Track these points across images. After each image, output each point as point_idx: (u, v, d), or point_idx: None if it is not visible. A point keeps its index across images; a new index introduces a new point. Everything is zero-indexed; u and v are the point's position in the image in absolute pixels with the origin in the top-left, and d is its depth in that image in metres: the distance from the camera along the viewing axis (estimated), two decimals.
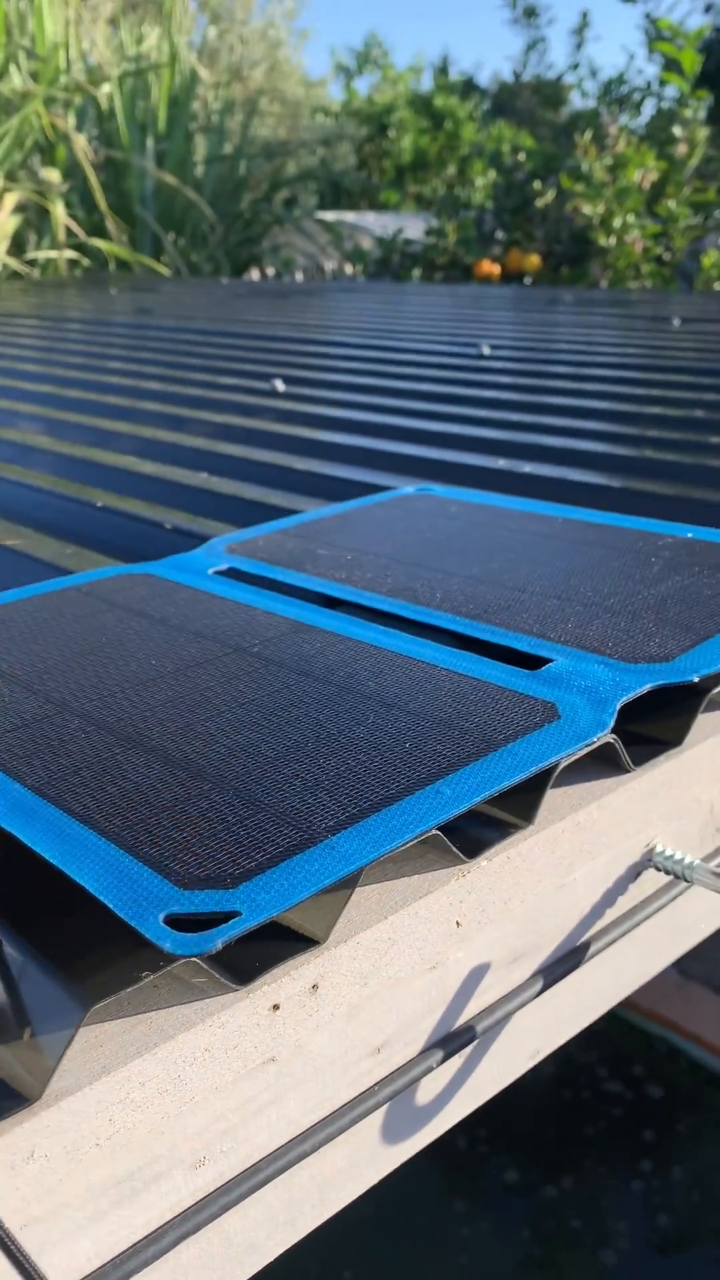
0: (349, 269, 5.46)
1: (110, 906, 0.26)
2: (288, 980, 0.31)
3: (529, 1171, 1.16)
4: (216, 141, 4.71)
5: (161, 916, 0.26)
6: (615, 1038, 1.34)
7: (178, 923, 0.26)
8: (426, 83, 10.84)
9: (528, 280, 4.29)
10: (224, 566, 0.53)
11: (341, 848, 0.28)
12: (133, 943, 0.29)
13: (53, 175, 3.87)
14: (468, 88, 6.03)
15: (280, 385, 1.26)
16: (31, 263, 4.00)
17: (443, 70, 8.57)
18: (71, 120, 4.04)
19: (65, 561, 0.62)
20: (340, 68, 11.41)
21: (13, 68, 3.97)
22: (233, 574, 0.54)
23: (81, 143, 4.00)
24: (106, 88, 4.19)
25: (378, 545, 0.55)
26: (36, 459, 0.96)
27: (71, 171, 4.12)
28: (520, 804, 0.36)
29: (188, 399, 1.23)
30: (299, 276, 4.99)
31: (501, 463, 0.86)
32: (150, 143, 4.35)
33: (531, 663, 0.41)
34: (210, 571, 0.53)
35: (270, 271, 5.04)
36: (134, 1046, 0.28)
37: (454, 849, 0.33)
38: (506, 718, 0.35)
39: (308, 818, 0.30)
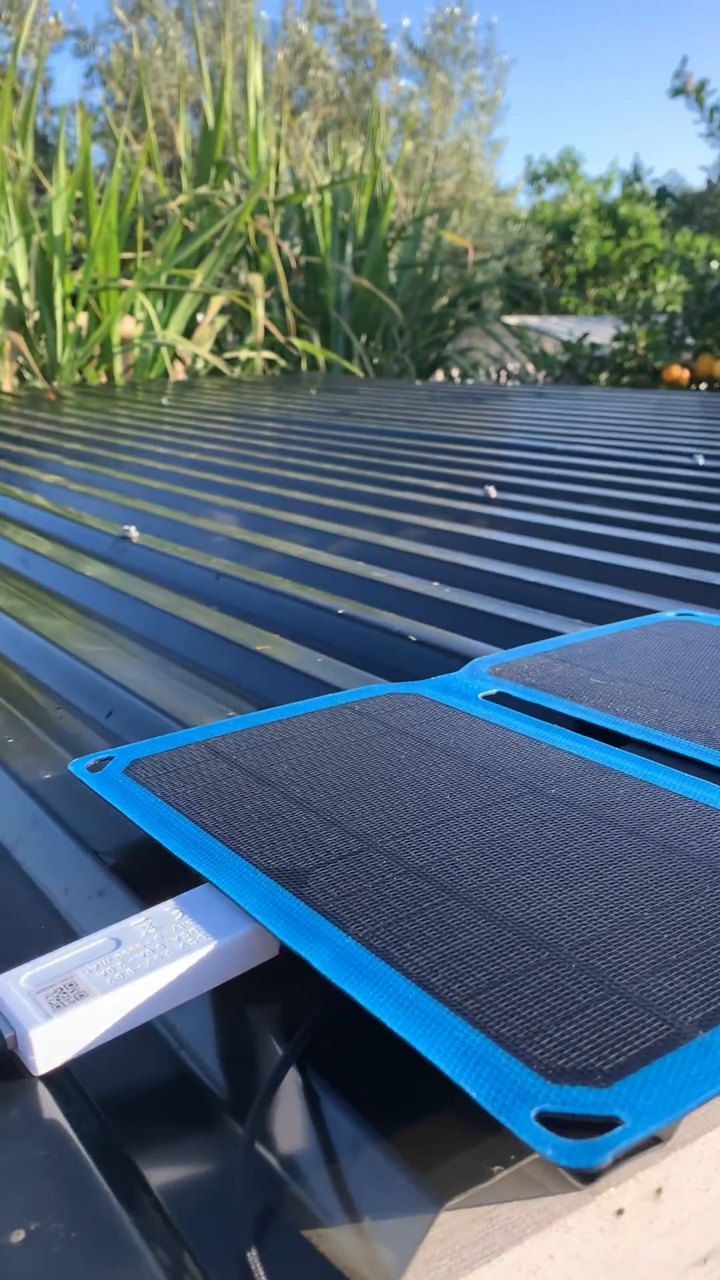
0: (534, 372, 5.52)
1: (474, 1096, 0.24)
2: (633, 1183, 0.28)
3: None
4: (411, 249, 4.87)
5: (533, 1113, 0.24)
6: None
7: (545, 1121, 0.24)
8: (616, 192, 11.03)
9: None
10: (493, 691, 0.52)
11: (717, 1048, 0.26)
12: (477, 1129, 0.27)
13: (256, 280, 4.07)
14: (662, 195, 6.07)
15: (493, 491, 1.26)
16: (232, 361, 4.19)
17: (633, 179, 8.69)
18: (276, 229, 4.24)
19: (319, 672, 0.62)
20: (532, 177, 11.73)
21: (225, 183, 4.22)
22: (502, 699, 0.52)
23: (285, 248, 4.20)
24: (310, 198, 4.40)
25: (654, 676, 0.52)
26: (264, 559, 0.97)
27: (273, 279, 4.33)
28: None
29: (401, 503, 1.24)
30: (487, 379, 5.06)
31: None
32: (349, 250, 4.53)
33: None
34: (480, 696, 0.51)
35: (455, 374, 5.14)
36: (479, 1248, 0.26)
37: None
38: None
39: (669, 1007, 0.27)
